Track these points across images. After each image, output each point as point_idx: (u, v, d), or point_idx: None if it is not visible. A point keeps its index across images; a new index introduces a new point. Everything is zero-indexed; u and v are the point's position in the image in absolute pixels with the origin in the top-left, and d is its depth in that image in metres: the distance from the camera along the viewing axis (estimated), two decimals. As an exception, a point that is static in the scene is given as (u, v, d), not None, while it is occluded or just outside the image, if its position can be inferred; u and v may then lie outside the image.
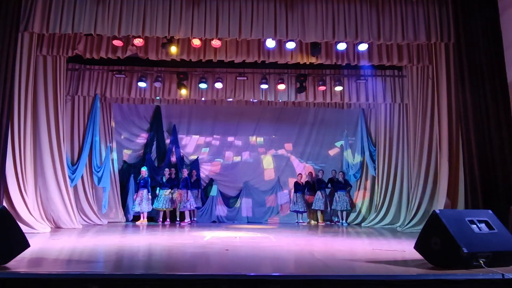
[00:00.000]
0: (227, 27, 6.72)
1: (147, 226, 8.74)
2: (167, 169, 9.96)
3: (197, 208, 9.98)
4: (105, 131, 9.69)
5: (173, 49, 7.57)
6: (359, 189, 10.26)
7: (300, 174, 10.42)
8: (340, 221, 9.88)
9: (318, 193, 9.90)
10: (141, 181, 9.45)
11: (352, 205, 10.02)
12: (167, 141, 10.60)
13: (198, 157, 10.65)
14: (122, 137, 10.43)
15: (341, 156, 10.77)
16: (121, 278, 2.99)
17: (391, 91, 9.32)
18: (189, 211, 9.60)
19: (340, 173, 10.14)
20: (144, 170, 9.55)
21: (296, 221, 10.09)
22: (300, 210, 10.03)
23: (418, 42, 7.09)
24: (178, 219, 9.57)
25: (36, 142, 7.44)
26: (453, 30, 6.83)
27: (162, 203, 9.52)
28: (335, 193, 9.90)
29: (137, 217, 9.58)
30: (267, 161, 10.85)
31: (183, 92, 9.10)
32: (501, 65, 6.33)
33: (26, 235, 3.64)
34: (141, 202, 9.34)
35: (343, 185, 9.95)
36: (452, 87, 7.16)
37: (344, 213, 9.85)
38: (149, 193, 9.47)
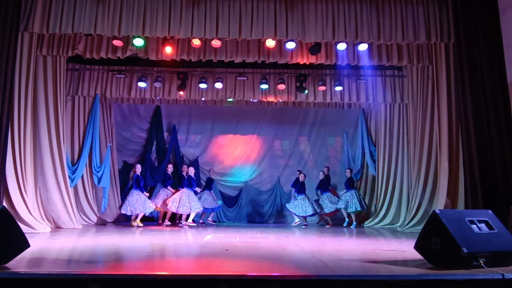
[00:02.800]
0: (227, 27, 6.72)
1: (146, 226, 8.71)
2: (170, 165, 9.60)
3: (213, 210, 9.62)
4: (105, 131, 9.69)
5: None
6: (359, 189, 10.26)
7: (299, 171, 9.92)
8: (346, 220, 9.35)
9: (325, 194, 9.49)
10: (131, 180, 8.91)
11: (363, 206, 9.35)
12: (167, 141, 10.60)
13: (198, 157, 10.65)
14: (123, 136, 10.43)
15: (341, 156, 10.77)
16: (121, 278, 2.99)
17: (391, 91, 9.31)
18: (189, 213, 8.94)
19: (348, 170, 9.72)
20: (138, 166, 9.10)
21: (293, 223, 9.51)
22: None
23: (418, 42, 7.09)
24: (179, 220, 9.19)
25: (36, 142, 7.44)
26: (453, 30, 6.83)
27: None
28: (345, 192, 9.46)
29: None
30: (267, 161, 10.85)
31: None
32: (501, 65, 6.32)
33: (26, 235, 3.64)
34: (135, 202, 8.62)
35: (351, 183, 9.48)
36: (452, 87, 7.16)
37: (353, 215, 9.32)
38: (142, 193, 8.76)
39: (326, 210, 9.38)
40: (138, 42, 7.26)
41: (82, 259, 4.12)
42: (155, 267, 3.82)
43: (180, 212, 8.80)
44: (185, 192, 8.84)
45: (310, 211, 9.11)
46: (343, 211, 9.40)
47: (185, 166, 9.57)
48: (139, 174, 8.84)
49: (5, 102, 6.33)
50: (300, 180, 9.44)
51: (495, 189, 6.17)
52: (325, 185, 9.59)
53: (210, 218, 9.81)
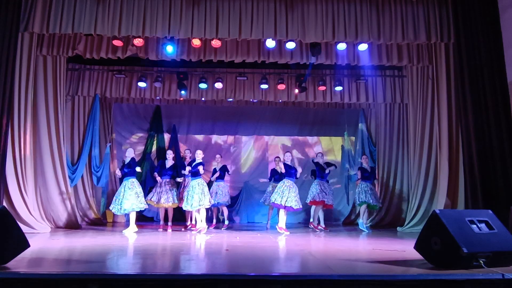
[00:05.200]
0: (227, 27, 6.73)
1: (145, 226, 8.67)
2: (170, 151, 8.09)
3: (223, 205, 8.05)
4: (105, 131, 9.69)
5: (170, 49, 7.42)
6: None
7: (278, 157, 8.62)
8: (360, 222, 8.03)
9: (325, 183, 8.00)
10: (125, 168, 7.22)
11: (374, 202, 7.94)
12: (167, 141, 10.59)
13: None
14: (123, 135, 10.42)
15: (342, 156, 10.76)
16: (121, 278, 2.99)
17: (391, 91, 9.32)
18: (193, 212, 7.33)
19: (364, 157, 8.46)
20: (129, 150, 7.53)
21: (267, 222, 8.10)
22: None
23: (418, 42, 7.09)
24: (190, 222, 7.82)
25: (36, 142, 7.44)
26: (453, 30, 6.84)
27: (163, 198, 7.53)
28: (360, 184, 8.06)
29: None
30: (267, 161, 10.83)
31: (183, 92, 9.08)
32: (501, 65, 6.33)
33: (26, 235, 3.65)
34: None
35: (369, 174, 8.13)
36: (452, 87, 7.17)
37: (366, 212, 8.09)
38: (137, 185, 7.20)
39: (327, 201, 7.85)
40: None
41: (82, 259, 4.12)
42: (155, 267, 3.81)
43: (197, 208, 6.93)
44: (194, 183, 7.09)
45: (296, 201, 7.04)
46: (363, 210, 8.04)
47: (187, 151, 8.14)
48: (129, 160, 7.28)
49: (5, 102, 6.33)
50: (279, 169, 7.87)
51: (495, 189, 6.17)
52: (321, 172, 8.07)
53: (226, 222, 8.29)
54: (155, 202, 7.53)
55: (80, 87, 8.96)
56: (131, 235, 6.56)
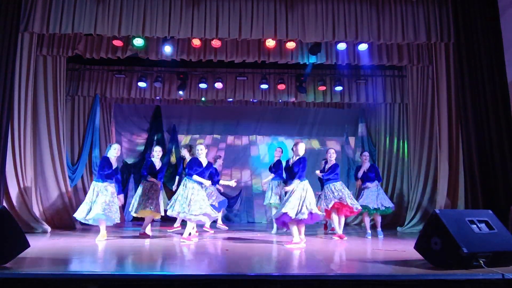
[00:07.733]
0: (227, 27, 6.73)
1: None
2: (158, 147, 6.68)
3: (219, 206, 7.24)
4: (105, 131, 9.69)
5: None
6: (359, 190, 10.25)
7: (279, 148, 7.86)
8: (368, 231, 6.90)
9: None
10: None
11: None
12: (167, 141, 10.60)
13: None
14: (122, 135, 10.42)
15: (341, 156, 10.76)
16: (121, 278, 2.99)
17: (391, 91, 9.33)
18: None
19: (366, 153, 7.30)
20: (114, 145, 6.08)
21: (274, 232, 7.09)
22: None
23: (418, 42, 7.09)
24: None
25: (36, 142, 7.44)
26: (453, 30, 6.85)
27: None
28: (364, 185, 6.99)
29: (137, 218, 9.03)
30: (267, 161, 10.84)
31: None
32: (501, 65, 6.34)
33: (26, 235, 3.64)
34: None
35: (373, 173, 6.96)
36: (452, 87, 7.17)
37: (379, 217, 7.03)
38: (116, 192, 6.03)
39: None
40: (138, 42, 7.33)
41: (82, 259, 4.11)
42: (154, 267, 3.81)
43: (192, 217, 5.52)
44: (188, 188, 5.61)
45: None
46: (367, 218, 7.09)
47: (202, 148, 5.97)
48: (107, 155, 5.93)
49: (5, 102, 6.34)
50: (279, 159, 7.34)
51: (495, 189, 6.18)
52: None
53: (220, 221, 7.59)
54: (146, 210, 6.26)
55: (80, 87, 8.97)
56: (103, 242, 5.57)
